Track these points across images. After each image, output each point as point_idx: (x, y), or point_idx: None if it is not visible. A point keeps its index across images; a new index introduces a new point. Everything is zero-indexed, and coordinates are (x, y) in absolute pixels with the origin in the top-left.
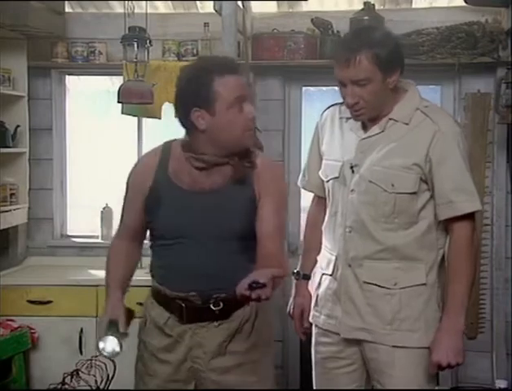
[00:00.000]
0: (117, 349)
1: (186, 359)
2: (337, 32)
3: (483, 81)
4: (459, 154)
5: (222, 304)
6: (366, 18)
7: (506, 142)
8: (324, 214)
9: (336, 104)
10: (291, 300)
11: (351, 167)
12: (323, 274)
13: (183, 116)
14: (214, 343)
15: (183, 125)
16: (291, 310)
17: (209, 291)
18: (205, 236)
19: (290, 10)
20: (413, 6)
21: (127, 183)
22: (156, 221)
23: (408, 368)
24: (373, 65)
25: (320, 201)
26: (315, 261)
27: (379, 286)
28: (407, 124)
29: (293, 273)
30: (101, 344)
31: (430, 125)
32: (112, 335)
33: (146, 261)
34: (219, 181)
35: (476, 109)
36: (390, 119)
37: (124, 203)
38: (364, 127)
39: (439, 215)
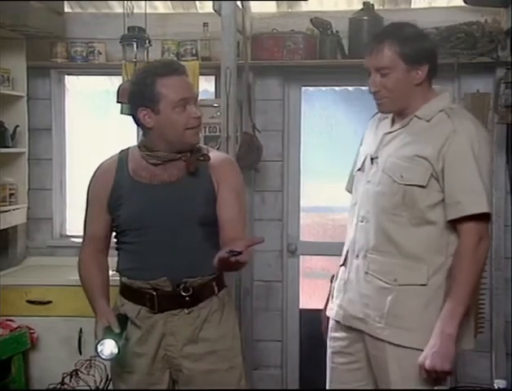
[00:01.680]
0: (115, 351)
1: (159, 348)
2: (337, 32)
3: (483, 81)
4: (471, 156)
5: (191, 289)
6: (365, 18)
7: (505, 142)
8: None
9: None
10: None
11: (372, 159)
12: (340, 265)
13: (133, 114)
14: (185, 330)
15: (136, 123)
16: (323, 311)
17: (178, 276)
18: (169, 225)
19: (290, 10)
20: (412, 6)
21: (88, 193)
22: (120, 217)
23: (402, 368)
24: (395, 55)
25: None
26: None
27: (379, 279)
28: (428, 121)
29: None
30: (99, 348)
31: (449, 125)
32: (109, 338)
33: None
34: (176, 173)
35: (475, 109)
36: (415, 116)
37: (86, 214)
38: (393, 124)
39: (447, 215)
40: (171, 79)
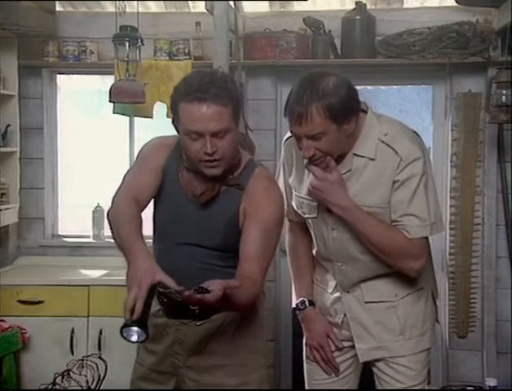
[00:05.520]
0: (142, 337)
1: (168, 353)
2: (329, 31)
3: (474, 80)
4: (417, 180)
5: None
6: (358, 17)
7: (497, 141)
8: (301, 237)
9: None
10: (306, 337)
11: (328, 208)
12: (317, 285)
13: None
14: (192, 341)
15: None
16: (313, 344)
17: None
18: (187, 240)
19: (282, 9)
20: (405, 5)
21: (139, 154)
22: (154, 216)
23: (415, 365)
24: (326, 119)
25: (293, 226)
26: (312, 285)
27: (380, 302)
28: (373, 159)
29: (296, 306)
30: (125, 333)
31: (394, 157)
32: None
33: None
34: (208, 189)
35: (467, 109)
36: (355, 154)
37: (128, 173)
38: None
39: (392, 219)
40: (190, 106)
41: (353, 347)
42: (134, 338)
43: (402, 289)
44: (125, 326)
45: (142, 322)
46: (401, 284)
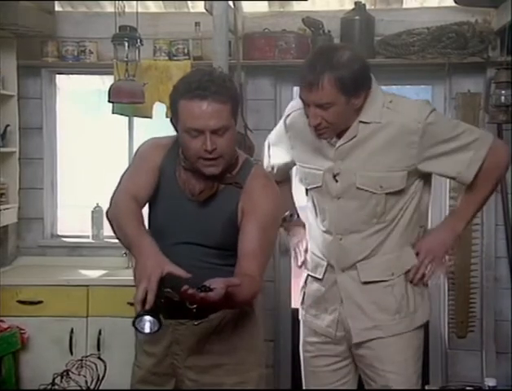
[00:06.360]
0: (155, 327)
1: (167, 354)
2: (329, 31)
3: (473, 80)
4: (443, 130)
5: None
6: (357, 18)
7: None
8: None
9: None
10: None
11: (334, 176)
12: (309, 275)
13: None
14: (190, 341)
15: None
16: (293, 248)
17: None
18: (185, 238)
19: (281, 9)
20: (404, 6)
21: (135, 154)
22: (150, 212)
23: (403, 349)
24: (336, 90)
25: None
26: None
27: (377, 282)
28: (379, 123)
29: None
30: (138, 325)
31: (401, 119)
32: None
33: None
34: (207, 188)
35: (466, 109)
36: (361, 121)
37: (125, 173)
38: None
39: (467, 181)
40: (190, 104)
41: (350, 352)
42: (147, 328)
43: (398, 268)
44: (138, 316)
45: (154, 312)
46: (397, 263)
